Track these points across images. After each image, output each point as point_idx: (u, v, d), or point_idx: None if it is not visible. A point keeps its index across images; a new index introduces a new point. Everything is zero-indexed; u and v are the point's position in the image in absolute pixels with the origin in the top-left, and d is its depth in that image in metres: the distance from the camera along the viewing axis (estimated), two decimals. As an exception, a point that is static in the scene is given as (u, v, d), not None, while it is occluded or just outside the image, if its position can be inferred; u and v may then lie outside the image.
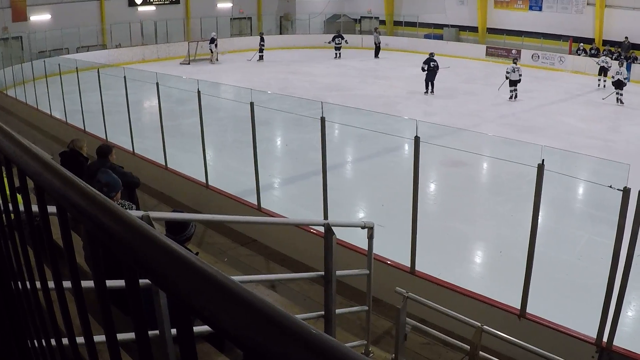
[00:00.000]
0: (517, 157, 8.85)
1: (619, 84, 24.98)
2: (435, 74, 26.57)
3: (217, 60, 37.61)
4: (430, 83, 26.73)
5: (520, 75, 25.78)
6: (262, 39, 38.62)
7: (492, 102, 25.53)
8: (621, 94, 24.90)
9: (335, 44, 40.29)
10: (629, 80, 26.97)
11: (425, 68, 26.60)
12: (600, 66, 29.52)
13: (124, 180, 7.05)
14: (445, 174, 15.80)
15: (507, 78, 25.92)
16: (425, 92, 26.92)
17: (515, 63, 26.44)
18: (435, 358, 7.06)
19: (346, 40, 40.60)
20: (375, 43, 40.55)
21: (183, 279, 1.00)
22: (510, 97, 25.87)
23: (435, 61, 26.57)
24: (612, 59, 29.77)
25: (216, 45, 37.62)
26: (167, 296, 1.07)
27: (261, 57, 38.25)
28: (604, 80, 28.83)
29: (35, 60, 23.90)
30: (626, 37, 33.26)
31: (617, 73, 25.14)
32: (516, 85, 25.76)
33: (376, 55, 39.96)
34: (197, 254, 5.52)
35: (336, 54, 40.10)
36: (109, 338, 1.38)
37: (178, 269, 1.02)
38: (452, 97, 26.24)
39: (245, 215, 10.49)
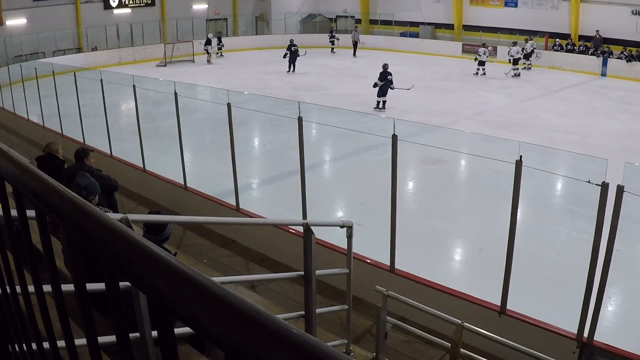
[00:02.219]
0: (495, 154, 8.89)
1: (515, 61, 31.57)
2: (297, 56, 32.86)
3: (216, 56, 38.43)
4: (292, 64, 32.96)
5: (487, 57, 31.47)
6: (219, 40, 39.72)
7: (469, 99, 25.67)
8: (516, 68, 31.46)
9: (330, 40, 42.31)
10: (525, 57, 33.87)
11: (288, 53, 32.93)
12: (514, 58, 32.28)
13: (102, 183, 7.01)
14: (424, 172, 15.84)
15: (476, 60, 31.71)
16: (287, 71, 32.90)
17: (484, 46, 31.91)
18: (416, 356, 7.07)
19: (338, 38, 42.36)
20: (353, 41, 40.63)
21: (163, 281, 1.01)
22: (475, 74, 31.30)
23: (295, 46, 33.10)
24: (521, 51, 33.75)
25: (212, 45, 38.13)
26: (147, 298, 1.07)
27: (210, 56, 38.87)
28: (523, 67, 33.20)
29: (12, 64, 23.74)
30: (597, 31, 33.57)
31: (510, 54, 31.74)
32: (484, 65, 31.29)
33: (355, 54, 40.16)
34: (175, 254, 5.51)
35: (332, 48, 42.04)
36: (90, 341, 1.38)
37: (158, 271, 1.02)
38: (428, 95, 26.29)
39: (224, 216, 10.49)
